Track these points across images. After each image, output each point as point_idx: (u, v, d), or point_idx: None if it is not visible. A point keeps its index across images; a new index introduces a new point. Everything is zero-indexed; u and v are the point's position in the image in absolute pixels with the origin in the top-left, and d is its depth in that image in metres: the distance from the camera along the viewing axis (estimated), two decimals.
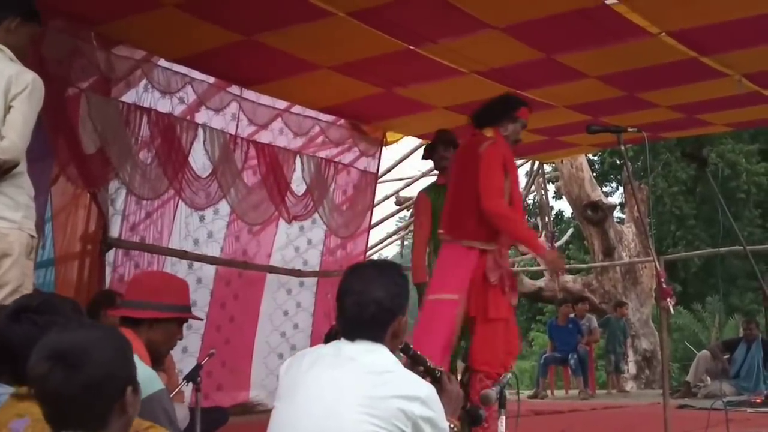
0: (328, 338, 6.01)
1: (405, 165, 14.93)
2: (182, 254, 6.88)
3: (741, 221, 19.45)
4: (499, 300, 4.39)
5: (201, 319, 2.70)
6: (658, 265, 4.17)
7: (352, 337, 2.28)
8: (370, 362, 2.22)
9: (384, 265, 2.51)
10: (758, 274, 4.67)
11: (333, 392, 2.17)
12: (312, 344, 6.40)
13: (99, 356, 1.69)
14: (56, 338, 1.70)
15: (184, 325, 3.11)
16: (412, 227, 17.93)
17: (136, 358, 2.67)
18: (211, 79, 6.54)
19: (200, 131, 6.64)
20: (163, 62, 6.14)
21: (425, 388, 2.22)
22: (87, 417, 1.69)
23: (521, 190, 5.46)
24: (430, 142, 6.07)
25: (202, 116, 6.68)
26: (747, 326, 10.05)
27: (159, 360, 2.96)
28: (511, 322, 4.52)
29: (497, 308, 4.36)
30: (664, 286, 4.13)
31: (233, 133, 6.92)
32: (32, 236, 3.37)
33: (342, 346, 2.29)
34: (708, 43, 5.83)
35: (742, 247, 4.91)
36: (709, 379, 9.97)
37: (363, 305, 2.26)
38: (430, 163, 6.82)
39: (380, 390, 2.15)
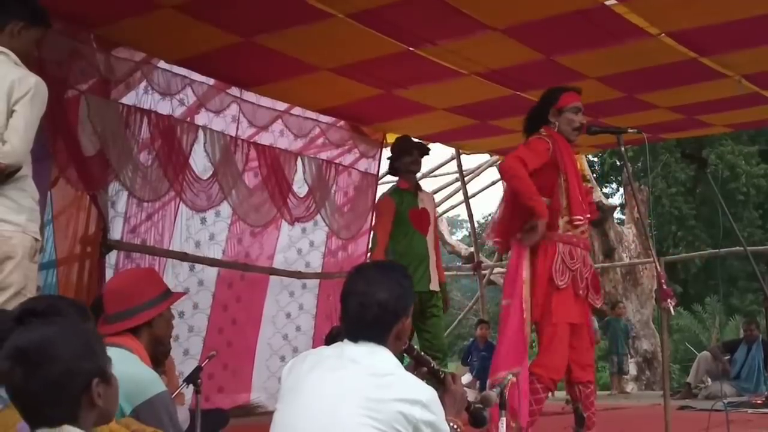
0: (329, 339, 6.01)
1: None
2: (183, 256, 6.87)
3: (741, 222, 19.45)
4: (568, 305, 4.17)
5: (185, 293, 2.70)
6: (658, 266, 4.17)
7: (354, 338, 2.28)
8: (372, 364, 2.21)
9: (388, 266, 2.51)
10: (759, 275, 4.66)
11: (334, 394, 2.16)
12: (314, 346, 6.40)
13: (57, 352, 1.72)
14: (18, 337, 1.74)
15: (187, 328, 3.12)
16: None
17: (138, 362, 2.70)
18: (211, 81, 6.55)
19: (200, 133, 6.65)
20: (162, 64, 6.14)
21: (426, 392, 2.20)
22: (54, 412, 1.72)
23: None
24: (397, 147, 6.10)
25: (202, 118, 6.68)
26: (747, 327, 10.05)
27: (165, 353, 2.98)
28: (583, 328, 4.31)
29: (562, 313, 4.15)
30: (665, 287, 4.12)
31: (234, 134, 6.93)
32: (36, 239, 3.37)
33: (344, 347, 2.28)
34: (707, 43, 5.83)
35: (742, 248, 4.89)
36: (709, 380, 9.97)
37: (366, 306, 2.25)
38: (430, 165, 6.92)
39: (381, 393, 2.14)
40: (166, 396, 2.68)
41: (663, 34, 5.63)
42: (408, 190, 5.74)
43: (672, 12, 5.28)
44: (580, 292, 4.19)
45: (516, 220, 4.41)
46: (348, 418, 2.11)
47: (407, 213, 5.68)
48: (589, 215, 4.35)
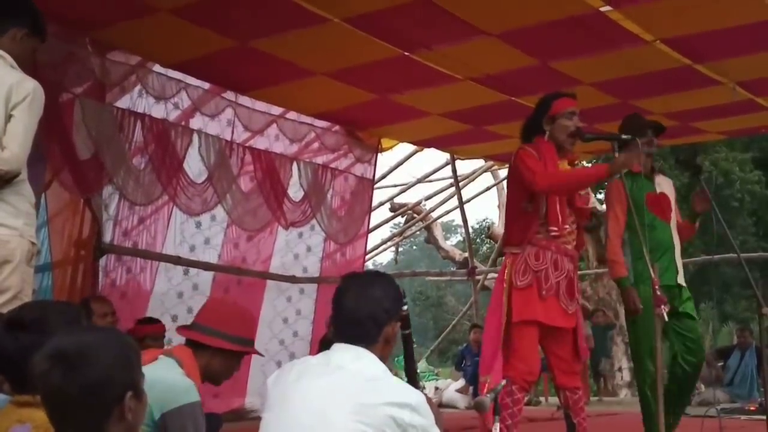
0: (323, 345, 6.00)
1: (399, 171, 14.93)
2: (176, 260, 6.87)
3: (735, 229, 19.48)
4: (530, 304, 4.14)
5: (263, 356, 2.86)
6: (652, 273, 4.16)
7: (346, 338, 2.30)
8: (359, 370, 2.23)
9: (380, 273, 2.57)
10: (752, 282, 4.66)
11: (323, 400, 2.17)
12: (311, 352, 6.39)
13: (99, 359, 1.71)
14: (61, 339, 1.74)
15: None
16: (407, 233, 18.00)
17: (177, 369, 2.73)
18: (206, 85, 6.55)
19: (195, 137, 6.65)
20: (158, 68, 6.14)
21: (415, 395, 2.22)
22: (84, 418, 1.71)
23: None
24: (627, 127, 4.83)
25: (197, 122, 6.68)
26: (741, 334, 10.09)
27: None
28: (563, 333, 4.25)
29: (523, 311, 4.14)
30: (658, 293, 4.11)
31: (229, 139, 6.93)
32: (33, 243, 3.37)
33: (331, 355, 2.31)
34: (702, 50, 5.85)
35: (736, 255, 4.90)
36: (702, 386, 9.98)
37: (362, 301, 2.32)
38: (425, 170, 6.78)
39: (370, 397, 2.16)
40: (196, 407, 2.69)
41: (658, 41, 5.64)
42: (642, 174, 4.98)
43: (667, 19, 5.29)
44: (544, 293, 4.17)
45: (509, 226, 4.43)
46: (338, 422, 2.12)
47: (643, 198, 4.90)
48: (568, 227, 4.33)
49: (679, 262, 4.92)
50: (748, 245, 19.53)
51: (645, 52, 5.75)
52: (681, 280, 4.90)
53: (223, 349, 2.93)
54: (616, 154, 4.30)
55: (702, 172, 5.08)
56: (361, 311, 2.30)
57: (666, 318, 4.21)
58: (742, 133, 12.25)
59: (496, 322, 4.20)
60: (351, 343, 2.29)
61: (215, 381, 2.98)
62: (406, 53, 5.77)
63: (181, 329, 3.03)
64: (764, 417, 4.60)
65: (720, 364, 9.85)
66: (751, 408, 7.69)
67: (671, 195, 5.06)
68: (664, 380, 4.74)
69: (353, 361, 2.25)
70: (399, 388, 2.23)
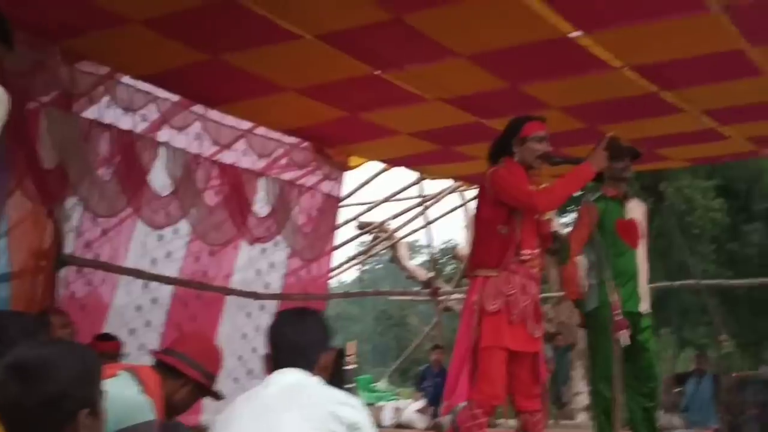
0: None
1: (366, 190, 14.92)
2: (137, 273, 6.79)
3: (696, 256, 19.72)
4: (499, 329, 4.15)
5: (222, 398, 2.91)
6: (614, 298, 4.20)
7: (287, 362, 2.44)
8: (297, 381, 2.39)
9: (312, 309, 2.78)
10: (711, 309, 4.73)
11: (268, 413, 2.29)
12: None
13: (58, 373, 1.70)
14: (21, 351, 1.73)
15: (137, 346, 3.12)
16: (372, 252, 17.98)
17: (136, 387, 2.70)
18: (175, 98, 6.49)
19: (162, 150, 6.59)
20: (126, 79, 6.08)
21: (354, 399, 2.38)
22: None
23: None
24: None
25: (164, 134, 6.62)
26: (698, 360, 10.19)
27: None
28: (525, 357, 4.27)
29: (492, 337, 4.15)
30: (618, 318, 4.15)
31: (196, 152, 6.88)
32: None
33: (271, 378, 2.45)
34: (669, 78, 5.94)
35: (695, 282, 4.96)
36: (660, 411, 10.06)
37: (300, 331, 2.52)
38: (392, 188, 6.75)
39: (311, 399, 2.31)
40: (150, 426, 2.66)
41: (626, 67, 5.71)
42: (615, 198, 5.14)
43: (635, 46, 5.37)
44: (513, 317, 4.18)
45: (479, 248, 4.43)
46: (286, 424, 2.24)
47: (613, 224, 5.05)
48: (537, 251, 4.36)
49: (644, 289, 4.97)
50: (708, 272, 19.78)
51: (613, 78, 5.82)
52: (644, 308, 4.95)
53: (197, 382, 2.92)
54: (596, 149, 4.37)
55: (665, 199, 5.16)
56: (301, 340, 2.49)
57: (628, 342, 4.24)
58: (705, 161, 12.43)
59: (464, 345, 4.20)
60: (291, 368, 2.44)
61: (174, 411, 2.94)
62: (377, 72, 5.79)
63: (158, 354, 3.01)
64: None
65: (677, 389, 9.94)
66: None
67: (642, 220, 5.12)
68: (623, 407, 4.77)
69: (292, 375, 2.41)
70: (337, 392, 2.40)
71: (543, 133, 4.41)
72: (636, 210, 5.17)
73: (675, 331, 22.24)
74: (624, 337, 4.36)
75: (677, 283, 12.06)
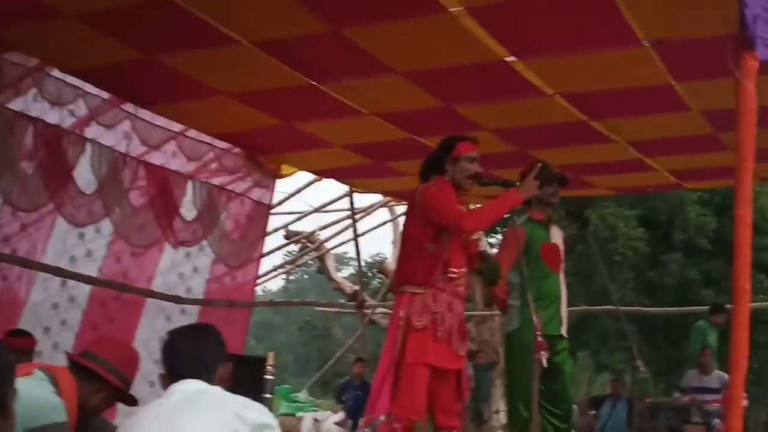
0: None
1: (296, 199, 14.84)
2: (56, 271, 6.62)
3: (616, 282, 20.16)
4: (424, 346, 4.16)
5: (136, 403, 2.86)
6: (535, 318, 4.27)
7: (188, 374, 2.46)
8: (199, 389, 2.41)
9: (207, 324, 2.84)
10: (628, 335, 4.83)
11: (170, 417, 2.29)
12: None
13: None
14: None
15: (51, 345, 3.05)
16: (299, 261, 17.88)
17: (48, 388, 2.64)
18: (105, 95, 6.36)
19: (88, 146, 6.45)
20: (56, 73, 5.94)
21: (258, 404, 2.40)
22: None
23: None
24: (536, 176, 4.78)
25: (92, 131, 6.48)
26: (614, 384, 10.41)
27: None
28: (448, 374, 4.29)
29: (417, 353, 4.16)
30: (539, 339, 4.21)
31: (123, 151, 6.76)
32: None
33: (171, 387, 2.46)
34: (598, 108, 6.08)
35: (615, 308, 5.07)
36: None
37: (199, 345, 2.56)
38: (322, 199, 6.73)
39: (214, 403, 2.33)
40: (62, 428, 2.59)
41: (557, 95, 5.82)
42: (541, 222, 5.20)
43: (567, 74, 5.48)
44: (439, 334, 4.21)
45: (406, 265, 4.44)
46: (190, 424, 2.25)
47: (539, 248, 5.13)
48: (464, 269, 4.40)
49: (565, 313, 5.07)
50: (627, 299, 20.24)
51: (545, 105, 5.93)
52: (563, 331, 5.05)
53: (115, 387, 2.87)
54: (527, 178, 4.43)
55: (589, 225, 5.27)
56: (199, 354, 2.52)
57: (545, 364, 4.30)
58: (629, 191, 12.74)
59: (387, 360, 4.20)
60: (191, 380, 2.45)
61: (88, 415, 2.88)
62: (313, 83, 5.77)
63: (76, 357, 2.93)
64: None
65: (593, 412, 10.13)
66: None
67: (561, 245, 5.22)
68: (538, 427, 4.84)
69: (193, 384, 2.43)
70: (241, 398, 2.43)
71: (475, 153, 4.47)
72: (557, 235, 5.27)
73: (592, 355, 22.68)
74: (543, 358, 4.42)
75: (597, 308, 12.35)
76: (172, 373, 2.49)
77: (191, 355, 2.52)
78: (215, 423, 2.23)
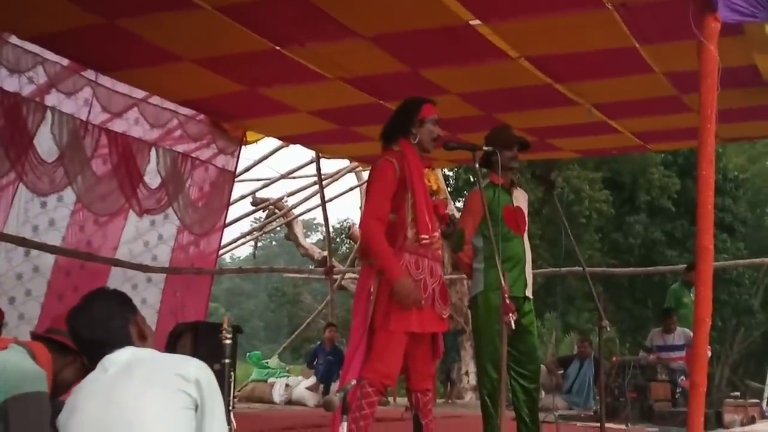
0: (172, 337, 5.86)
1: (263, 166, 14.76)
2: (21, 241, 6.55)
3: (582, 244, 20.39)
4: (406, 314, 4.12)
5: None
6: (502, 281, 4.29)
7: (106, 349, 2.34)
8: (132, 356, 2.32)
9: (93, 292, 2.63)
10: (595, 296, 4.89)
11: (111, 391, 2.23)
12: (159, 345, 6.22)
13: None
14: None
15: (17, 315, 3.02)
16: (267, 228, 17.84)
17: (29, 359, 2.65)
18: (65, 62, 6.26)
19: (48, 114, 6.35)
20: (14, 39, 5.82)
21: (195, 359, 2.32)
22: None
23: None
24: (494, 139, 4.90)
25: (52, 99, 6.39)
26: (581, 344, 10.55)
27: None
28: (425, 338, 4.28)
29: (401, 321, 4.12)
30: (507, 301, 4.24)
31: (84, 119, 6.66)
32: None
33: (103, 361, 2.34)
34: (562, 71, 6.09)
35: (581, 269, 5.12)
36: (543, 393, 10.38)
37: (96, 317, 2.40)
38: (289, 166, 6.67)
39: (152, 367, 2.26)
40: (43, 397, 2.59)
41: (522, 58, 5.82)
42: (503, 186, 5.08)
43: (531, 38, 5.47)
44: (422, 302, 4.24)
45: None
46: (131, 393, 2.19)
47: (501, 211, 4.99)
48: (437, 233, 4.40)
49: (530, 275, 5.12)
50: (593, 260, 20.51)
51: (509, 68, 5.93)
52: (528, 292, 5.10)
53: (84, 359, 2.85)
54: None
55: (555, 188, 5.30)
56: (99, 331, 2.37)
57: (513, 326, 4.33)
58: (594, 153, 12.84)
59: (360, 331, 4.20)
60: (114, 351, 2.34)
61: (61, 389, 2.85)
62: (277, 48, 5.71)
63: (45, 333, 2.91)
64: (598, 424, 4.85)
65: (560, 372, 10.28)
66: (587, 414, 8.07)
67: (525, 208, 5.25)
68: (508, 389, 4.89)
69: (121, 355, 2.32)
70: (179, 356, 2.38)
71: (436, 116, 4.43)
72: (521, 198, 5.30)
73: (560, 316, 22.98)
74: (512, 320, 4.45)
75: (564, 269, 12.49)
76: (92, 350, 2.39)
77: (90, 330, 2.39)
78: (159, 387, 2.19)
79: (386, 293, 4.18)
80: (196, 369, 2.25)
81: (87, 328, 2.39)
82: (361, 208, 15.74)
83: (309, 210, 15.65)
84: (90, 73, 6.48)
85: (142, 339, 2.42)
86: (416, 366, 4.34)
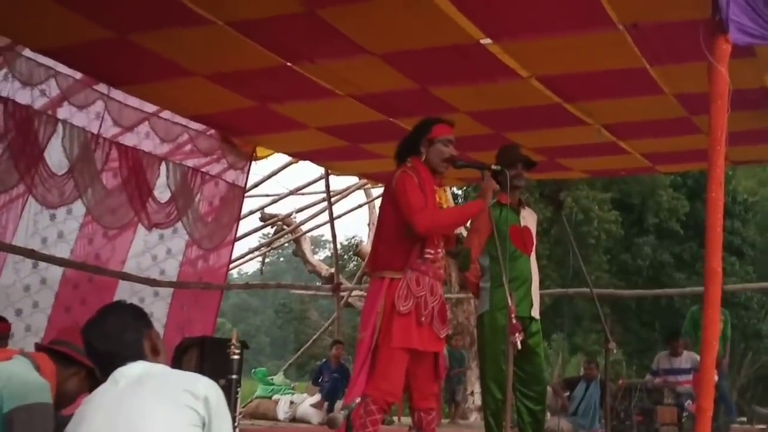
0: (178, 351, 5.85)
1: (272, 182, 14.79)
2: (29, 253, 6.56)
3: (590, 265, 20.31)
4: (408, 331, 4.14)
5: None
6: (510, 301, 4.28)
7: (118, 363, 2.35)
8: (144, 370, 2.33)
9: (109, 305, 2.63)
10: (602, 317, 4.87)
11: (120, 404, 2.22)
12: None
13: None
14: None
15: (24, 327, 3.04)
16: (275, 244, 17.84)
17: (33, 370, 2.67)
18: (78, 75, 6.29)
19: (60, 127, 6.38)
20: (27, 52, 5.86)
21: (204, 377, 2.33)
22: None
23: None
24: (500, 158, 5.08)
25: (63, 112, 6.43)
26: (587, 366, 10.48)
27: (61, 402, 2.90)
28: (427, 356, 4.28)
29: (401, 338, 4.12)
30: (514, 321, 4.23)
31: (95, 132, 6.69)
32: None
33: (114, 374, 2.35)
34: (572, 90, 6.09)
35: (589, 290, 5.10)
36: (549, 414, 10.31)
37: (110, 338, 2.40)
38: (298, 182, 6.68)
39: (163, 382, 2.27)
40: (48, 408, 2.60)
41: (532, 78, 5.83)
42: (511, 205, 5.04)
43: (542, 57, 5.48)
44: (423, 319, 4.22)
45: (384, 249, 4.42)
46: (140, 406, 2.20)
47: (508, 229, 4.92)
48: (441, 251, 4.40)
49: (536, 295, 5.10)
50: (601, 281, 20.42)
51: (520, 87, 5.94)
52: (535, 312, 5.08)
53: (89, 369, 2.85)
54: (483, 183, 4.42)
55: (564, 208, 5.29)
56: (114, 345, 2.38)
57: (519, 346, 4.32)
58: (603, 174, 12.82)
59: (366, 346, 4.19)
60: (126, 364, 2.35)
61: (64, 401, 2.88)
62: (288, 64, 5.73)
63: (50, 345, 2.94)
64: None
65: (566, 394, 10.21)
66: None
67: (533, 228, 5.24)
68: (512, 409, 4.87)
69: (134, 369, 2.33)
70: (186, 373, 2.39)
71: (450, 136, 4.44)
72: (529, 218, 5.30)
73: (566, 337, 22.87)
74: (518, 340, 4.43)
75: (572, 290, 12.46)
76: (105, 363, 2.40)
77: (114, 342, 2.39)
78: (168, 402, 2.19)
79: (391, 310, 4.17)
80: (206, 387, 2.26)
81: (100, 341, 2.40)
82: (369, 224, 15.75)
83: (317, 226, 15.68)
84: (102, 87, 6.52)
85: (155, 354, 2.43)
86: (418, 384, 4.33)
